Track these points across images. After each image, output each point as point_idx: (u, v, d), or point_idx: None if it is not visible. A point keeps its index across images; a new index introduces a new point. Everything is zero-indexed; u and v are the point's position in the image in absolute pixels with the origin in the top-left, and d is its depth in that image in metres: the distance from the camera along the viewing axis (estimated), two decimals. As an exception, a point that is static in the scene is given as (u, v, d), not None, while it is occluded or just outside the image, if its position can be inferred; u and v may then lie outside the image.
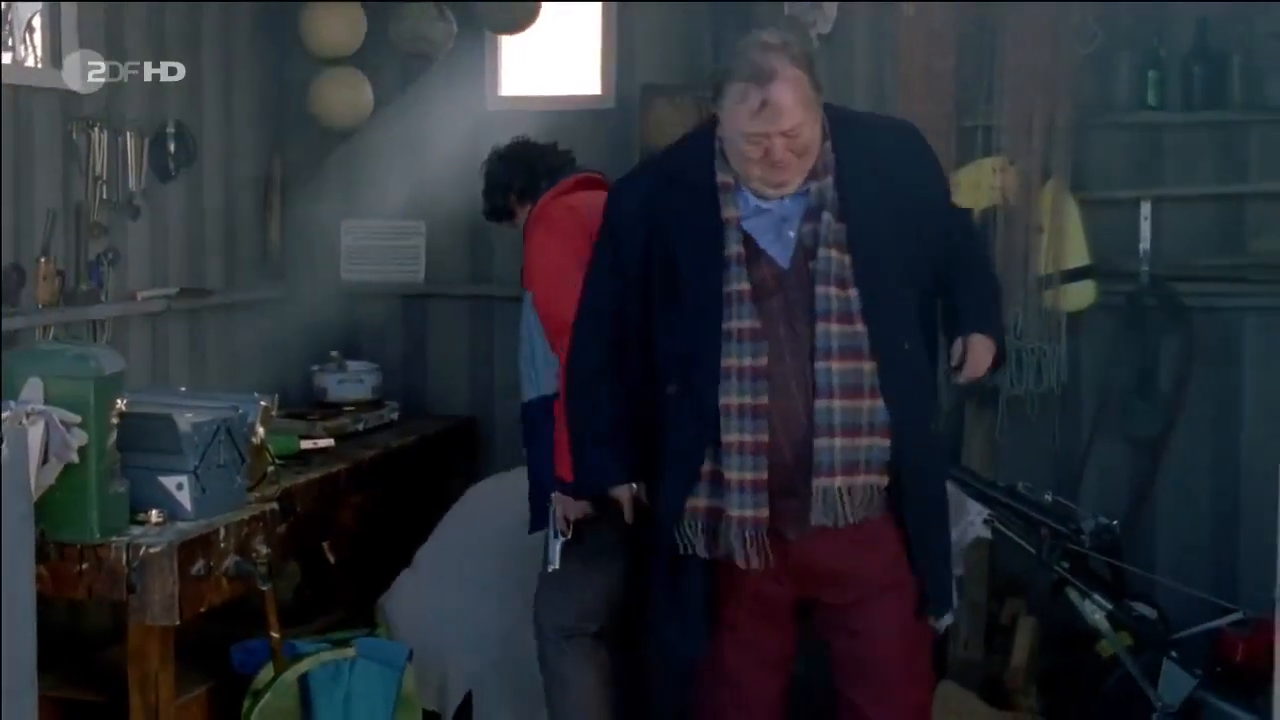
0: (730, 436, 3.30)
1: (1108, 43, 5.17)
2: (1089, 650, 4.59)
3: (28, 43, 4.71)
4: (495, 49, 5.88)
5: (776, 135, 3.25)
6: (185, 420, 3.64)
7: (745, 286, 3.32)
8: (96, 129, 4.78)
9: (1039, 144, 5.15)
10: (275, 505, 3.97)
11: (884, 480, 3.34)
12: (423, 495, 5.30)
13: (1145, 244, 5.16)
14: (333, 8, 5.63)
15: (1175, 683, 4.38)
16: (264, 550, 3.79)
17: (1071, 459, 5.27)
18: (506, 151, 4.33)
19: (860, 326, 3.30)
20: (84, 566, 3.51)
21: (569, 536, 3.91)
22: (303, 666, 3.98)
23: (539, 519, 4.03)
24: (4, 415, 3.16)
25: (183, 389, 4.53)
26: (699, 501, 3.37)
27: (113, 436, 3.48)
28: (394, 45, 5.64)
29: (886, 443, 3.33)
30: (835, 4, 5.39)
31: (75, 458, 3.38)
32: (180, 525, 3.62)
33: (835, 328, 3.29)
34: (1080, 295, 5.18)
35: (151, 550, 3.50)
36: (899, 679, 3.50)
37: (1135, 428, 5.23)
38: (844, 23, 5.40)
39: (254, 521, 3.82)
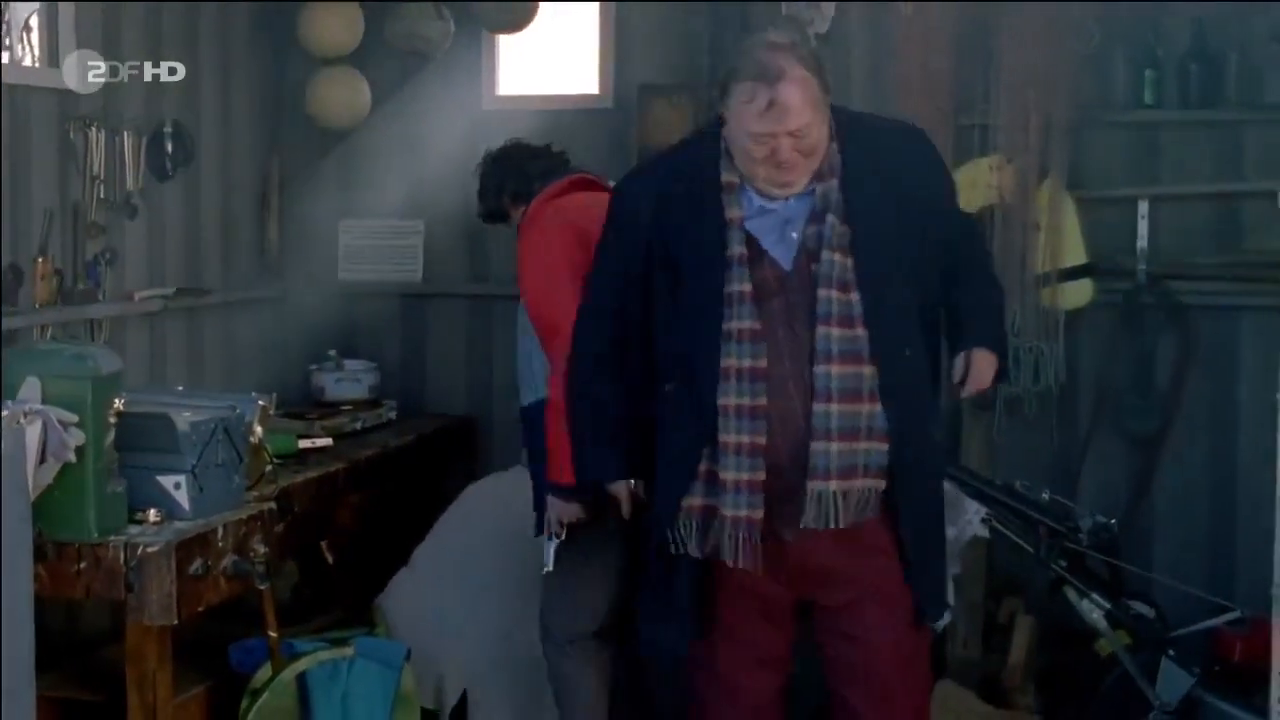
0: (727, 437, 3.30)
1: (1105, 42, 5.18)
2: (1087, 649, 4.59)
3: (25, 42, 4.71)
4: (493, 48, 5.88)
5: (783, 135, 3.24)
6: (183, 420, 3.64)
7: (747, 287, 3.31)
8: (94, 129, 4.78)
9: (1036, 143, 5.15)
10: (273, 504, 3.96)
11: (881, 484, 3.34)
12: (421, 494, 5.31)
13: (1142, 242, 5.17)
14: (330, 7, 5.62)
15: (1173, 681, 4.37)
16: (262, 549, 3.79)
17: (1069, 457, 5.27)
18: (500, 154, 4.33)
19: (861, 331, 3.29)
20: (82, 566, 3.50)
21: (563, 538, 3.92)
22: (301, 665, 3.98)
23: (543, 522, 4.03)
24: (2, 415, 3.16)
25: (180, 388, 4.52)
26: (694, 501, 3.37)
27: (110, 436, 3.48)
28: (391, 45, 5.64)
29: (885, 447, 3.32)
30: (833, 3, 5.39)
31: (73, 457, 3.38)
32: (178, 524, 3.62)
33: (836, 331, 3.28)
34: (1077, 294, 5.19)
35: (149, 550, 3.49)
36: (895, 681, 3.49)
37: (1133, 426, 5.24)
38: (841, 22, 5.40)
39: (252, 521, 3.81)
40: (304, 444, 4.88)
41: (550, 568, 3.98)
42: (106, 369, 3.50)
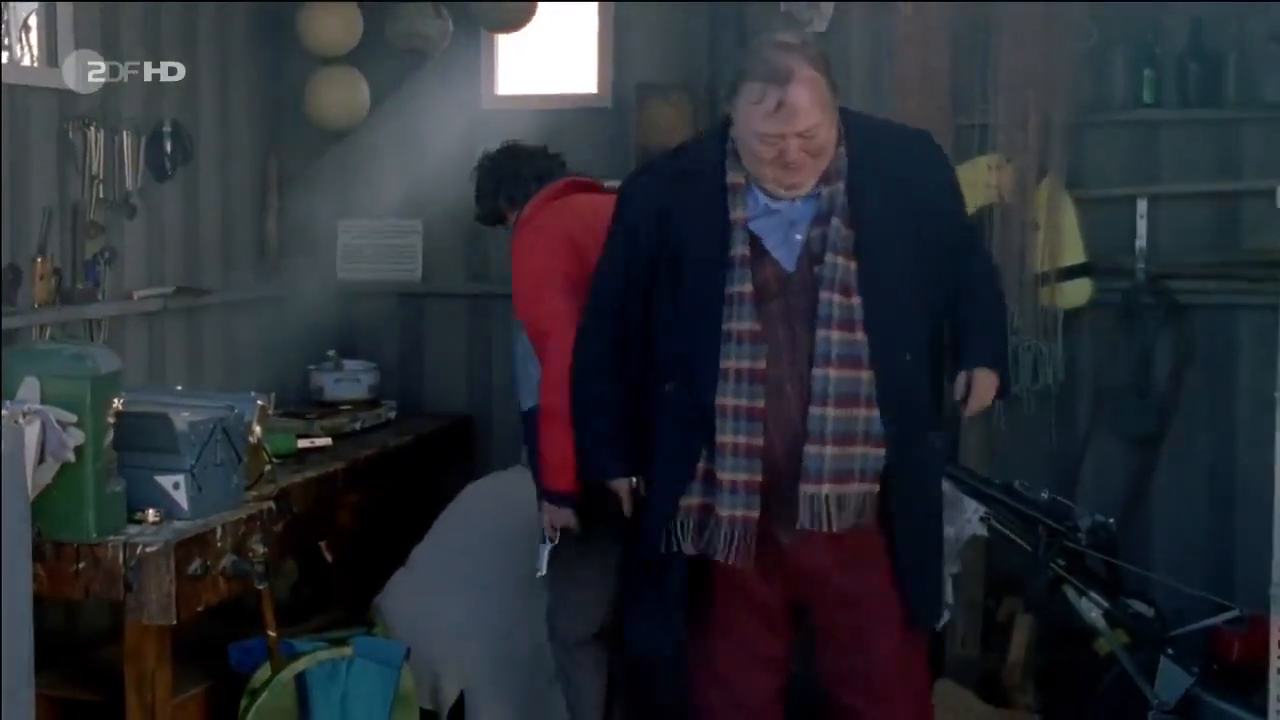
0: (725, 437, 3.30)
1: (1103, 41, 5.18)
2: (1086, 648, 4.58)
3: (24, 42, 4.71)
4: (491, 48, 5.89)
5: (792, 136, 3.24)
6: (182, 419, 3.64)
7: (747, 288, 3.31)
8: (93, 128, 4.78)
9: (1035, 142, 5.15)
10: (272, 504, 3.96)
11: (876, 488, 3.34)
12: (420, 494, 5.31)
13: (1141, 241, 5.17)
14: (329, 7, 5.62)
15: (1172, 680, 4.37)
16: (261, 549, 3.78)
17: (1068, 456, 5.28)
18: (495, 156, 4.33)
19: (860, 335, 3.29)
20: (81, 566, 3.50)
21: (556, 543, 3.93)
22: (300, 665, 3.97)
23: None
24: (1, 414, 3.16)
25: (179, 388, 4.52)
26: (692, 500, 3.38)
27: (109, 436, 3.48)
28: (390, 44, 5.64)
29: (881, 452, 3.32)
30: (831, 3, 5.39)
31: (72, 457, 3.38)
32: (177, 524, 3.61)
33: (835, 335, 3.28)
34: (1076, 293, 5.19)
35: (148, 549, 3.49)
36: (894, 683, 3.50)
37: (1131, 425, 5.24)
38: (840, 21, 5.40)
39: (251, 520, 3.81)
40: (303, 444, 4.88)
41: (543, 572, 3.99)
42: (105, 369, 3.49)
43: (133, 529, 3.57)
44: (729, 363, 3.31)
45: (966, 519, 4.56)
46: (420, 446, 5.46)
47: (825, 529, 3.29)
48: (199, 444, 3.66)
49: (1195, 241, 5.18)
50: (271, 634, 3.88)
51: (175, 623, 3.56)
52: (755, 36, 5.26)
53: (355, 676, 4.03)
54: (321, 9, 5.62)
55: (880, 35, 5.37)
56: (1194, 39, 5.11)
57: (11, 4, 4.57)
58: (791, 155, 3.26)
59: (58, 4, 4.74)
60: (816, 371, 3.28)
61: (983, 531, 4.62)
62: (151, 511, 3.61)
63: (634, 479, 3.57)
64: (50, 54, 4.73)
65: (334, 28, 5.63)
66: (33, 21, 4.73)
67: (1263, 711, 3.91)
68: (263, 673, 3.95)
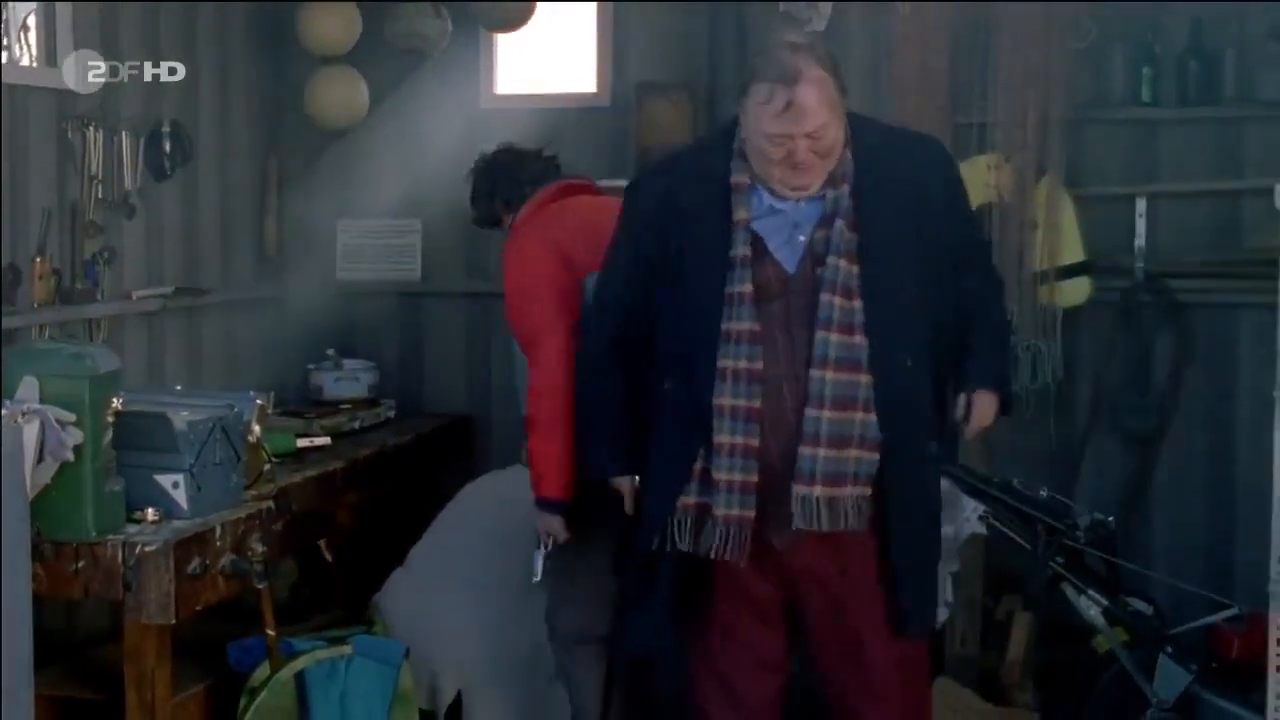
0: (721, 438, 3.30)
1: (1102, 39, 5.19)
2: (1085, 646, 4.58)
3: (23, 42, 4.71)
4: (490, 47, 5.88)
5: (800, 136, 3.24)
6: (181, 419, 3.63)
7: (747, 289, 3.31)
8: (92, 128, 4.78)
9: (1034, 140, 5.15)
10: (271, 503, 3.96)
11: (868, 490, 3.33)
12: (419, 493, 5.30)
13: (1140, 240, 5.17)
14: (328, 7, 5.62)
15: (1171, 678, 4.37)
16: (260, 548, 3.78)
17: (1067, 455, 5.28)
18: (491, 159, 4.33)
19: (860, 339, 3.29)
20: (80, 565, 3.50)
21: (550, 549, 3.95)
22: (299, 664, 3.98)
23: None
24: (0, 414, 3.16)
25: (178, 387, 4.53)
26: (689, 499, 3.38)
27: (108, 435, 3.48)
28: (389, 44, 5.64)
29: (875, 457, 3.31)
30: (830, 2, 5.39)
31: (71, 456, 3.38)
32: (176, 524, 3.61)
33: (834, 337, 3.28)
34: (1075, 291, 5.19)
35: (147, 549, 3.49)
36: (893, 683, 3.50)
37: (1130, 423, 5.24)
38: (839, 21, 5.40)
39: (250, 520, 3.81)
40: (302, 443, 4.88)
41: (539, 578, 4.01)
42: (104, 368, 3.49)
43: (132, 528, 3.57)
44: (727, 363, 3.32)
45: (965, 517, 4.56)
46: (419, 446, 5.46)
47: (816, 528, 3.29)
48: (198, 443, 3.66)
49: (1194, 240, 5.19)
50: (271, 633, 3.88)
51: (174, 622, 3.56)
52: (755, 36, 5.35)
53: (354, 675, 4.03)
54: (320, 9, 5.62)
55: (879, 35, 5.36)
56: (1193, 37, 5.11)
57: (11, 4, 4.57)
58: (800, 156, 3.26)
59: (57, 4, 4.74)
60: (813, 373, 3.28)
61: (982, 530, 4.63)
62: (151, 511, 3.61)
63: (635, 477, 3.58)
64: (49, 54, 4.73)
65: (333, 27, 5.63)
66: (32, 21, 4.73)
67: (1262, 709, 3.92)
68: (262, 671, 3.95)
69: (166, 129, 5.15)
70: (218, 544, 3.67)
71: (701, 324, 3.34)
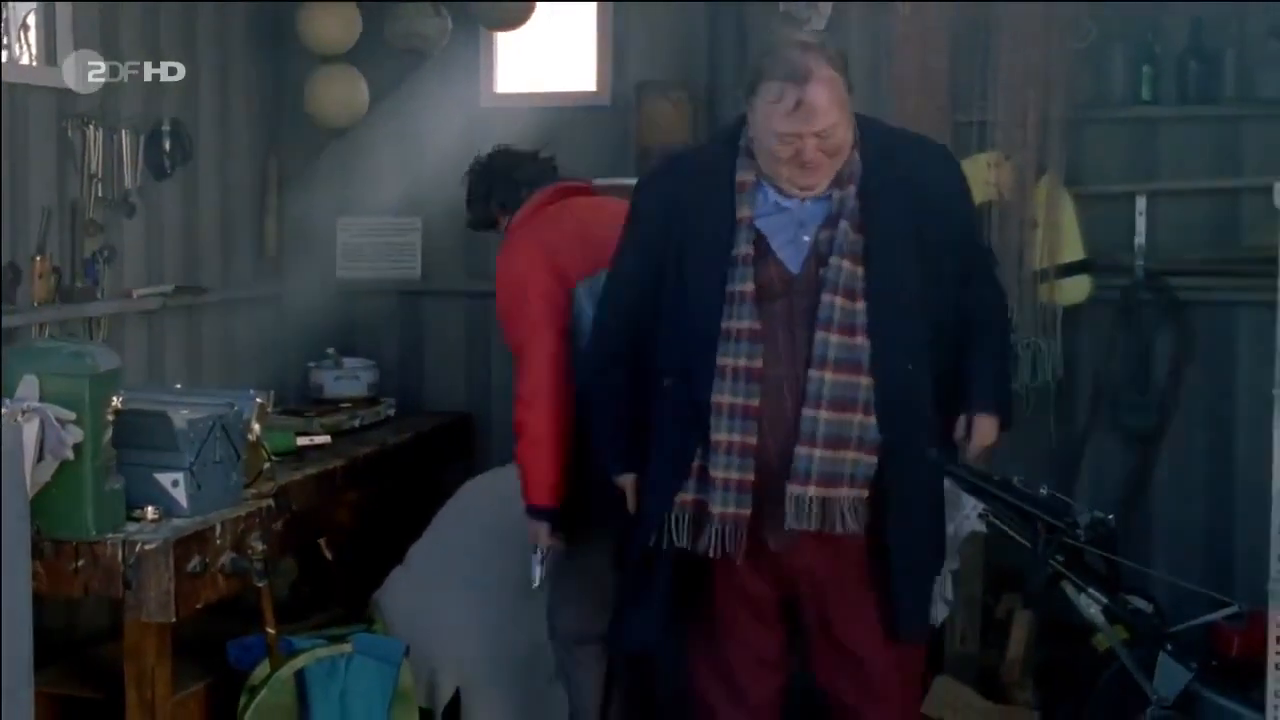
0: (719, 436, 3.31)
1: (1102, 38, 5.18)
2: (1085, 644, 4.58)
3: (23, 41, 4.71)
4: (490, 46, 5.89)
5: (809, 135, 3.24)
6: (181, 417, 3.64)
7: (749, 288, 3.31)
8: (92, 127, 4.79)
9: (1034, 139, 5.15)
10: (271, 502, 3.96)
11: (865, 493, 3.32)
12: (419, 492, 5.30)
13: (1140, 238, 5.17)
14: (328, 7, 5.62)
15: (1171, 676, 4.37)
16: (260, 547, 3.79)
17: (1067, 453, 5.28)
18: (487, 162, 4.34)
19: (861, 340, 3.28)
20: (80, 563, 3.50)
21: (545, 554, 3.98)
22: (299, 662, 3.98)
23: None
24: (0, 412, 3.16)
25: (178, 386, 4.53)
26: (686, 496, 3.38)
27: (108, 433, 3.48)
28: (389, 43, 5.64)
29: (873, 459, 3.31)
30: (830, 3, 5.39)
31: (71, 455, 3.38)
32: (176, 522, 3.62)
33: (835, 338, 3.27)
34: (1075, 290, 5.19)
35: (147, 547, 3.49)
36: (893, 683, 3.51)
37: (1130, 421, 5.24)
38: (838, 21, 5.40)
39: (250, 518, 3.81)
40: (302, 441, 4.88)
41: (536, 583, 4.03)
42: (104, 366, 3.50)
43: (132, 526, 3.57)
44: (726, 360, 3.32)
45: (965, 515, 4.56)
46: (419, 444, 5.46)
47: (806, 528, 3.29)
48: (198, 442, 3.66)
49: (1194, 238, 5.19)
50: (271, 631, 3.89)
51: (174, 620, 3.56)
52: (755, 35, 5.35)
53: (354, 673, 4.03)
54: (320, 9, 5.62)
55: (879, 35, 5.36)
56: (1193, 36, 5.11)
57: (11, 3, 4.58)
58: (809, 155, 3.26)
59: (57, 4, 4.74)
60: (812, 373, 3.28)
61: (981, 528, 4.63)
62: (150, 509, 3.61)
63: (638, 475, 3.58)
64: (49, 53, 4.73)
65: (333, 27, 5.63)
66: (31, 20, 4.73)
67: (1262, 707, 3.91)
68: (262, 670, 3.96)
69: (166, 128, 5.16)
70: (218, 542, 3.67)
71: (702, 322, 3.34)
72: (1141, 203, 5.17)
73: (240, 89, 5.76)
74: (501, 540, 4.53)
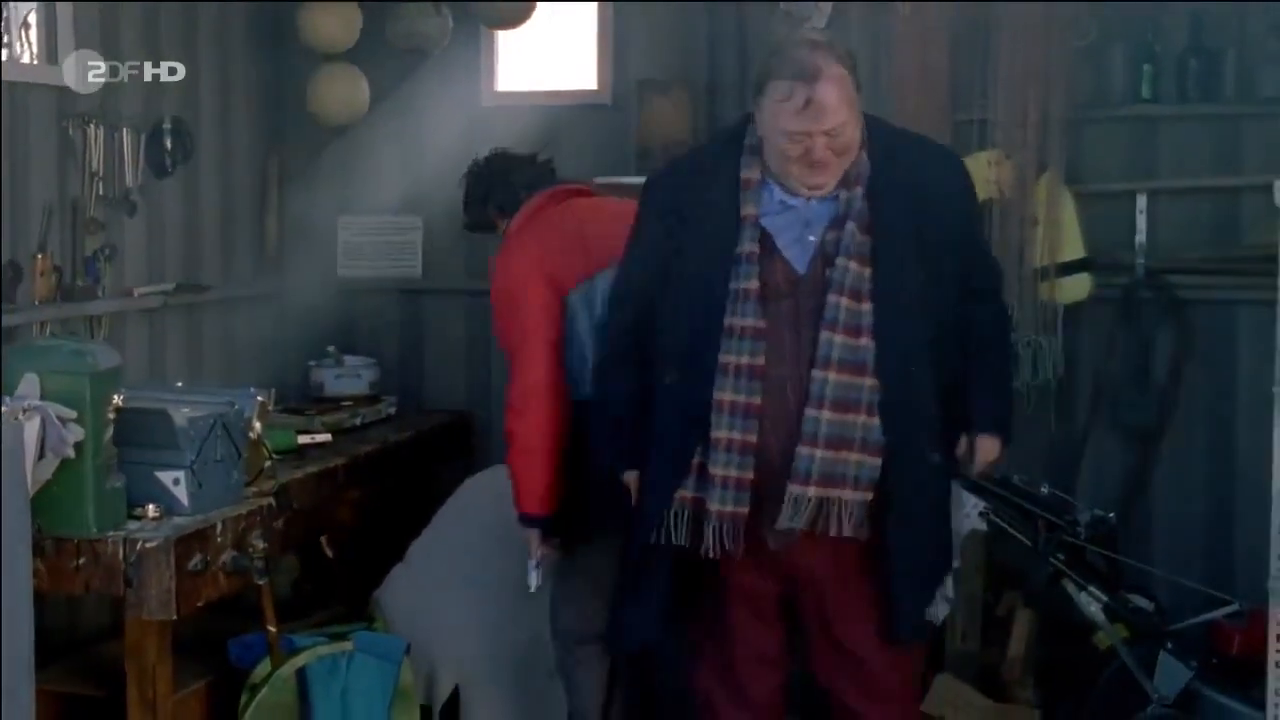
0: (719, 433, 3.30)
1: (1103, 37, 5.18)
2: (1085, 642, 4.59)
3: (24, 39, 4.71)
4: (491, 45, 5.88)
5: (819, 134, 3.24)
6: (182, 415, 3.64)
7: (753, 285, 3.31)
8: (93, 125, 4.79)
9: (1034, 137, 5.15)
10: (272, 500, 3.97)
11: (869, 496, 3.32)
12: (420, 490, 5.31)
13: (1141, 236, 5.17)
14: (328, 7, 5.61)
15: (1171, 674, 4.38)
16: (261, 545, 3.79)
17: (1067, 451, 5.27)
18: (485, 165, 4.34)
19: (866, 341, 3.28)
20: (81, 561, 3.51)
21: (540, 560, 4.01)
22: (300, 661, 3.98)
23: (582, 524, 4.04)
24: (1, 410, 3.16)
25: (179, 384, 4.53)
26: (686, 493, 3.38)
27: (109, 432, 3.49)
28: (390, 42, 5.64)
29: (877, 461, 3.30)
30: (830, 2, 5.38)
31: (71, 453, 3.38)
32: (177, 520, 3.62)
33: (839, 339, 3.27)
34: (1076, 288, 5.18)
35: (148, 545, 3.50)
36: (891, 683, 3.51)
37: (1131, 420, 5.24)
38: (838, 20, 5.39)
39: (251, 516, 3.82)
40: (303, 439, 4.89)
41: (533, 589, 4.05)
42: (105, 365, 3.50)
43: (133, 525, 3.57)
44: (729, 358, 3.32)
45: (966, 513, 4.56)
46: (420, 442, 5.46)
47: (799, 526, 3.29)
48: (199, 440, 3.66)
49: (1194, 236, 5.18)
50: (272, 629, 3.89)
51: (175, 618, 3.57)
52: (755, 34, 5.35)
53: (355, 671, 4.04)
54: (321, 9, 5.61)
55: (879, 33, 5.36)
56: (1193, 35, 5.11)
57: (11, 2, 4.58)
58: (818, 153, 3.26)
59: (58, 3, 4.74)
60: (815, 373, 3.27)
61: (982, 526, 4.63)
62: (151, 507, 3.61)
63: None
64: (50, 51, 4.73)
65: (333, 27, 5.63)
66: (32, 19, 4.73)
67: (1262, 705, 3.92)
68: (263, 668, 3.96)
69: (167, 126, 5.16)
70: (218, 540, 3.68)
71: (704, 319, 3.34)
72: (1142, 201, 5.17)
73: (241, 88, 5.76)
74: (501, 538, 4.53)
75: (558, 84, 5.88)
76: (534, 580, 4.05)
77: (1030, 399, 5.18)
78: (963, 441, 3.48)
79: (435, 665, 4.56)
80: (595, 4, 5.75)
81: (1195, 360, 5.17)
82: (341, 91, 5.74)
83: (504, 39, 5.86)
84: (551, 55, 5.91)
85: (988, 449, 3.49)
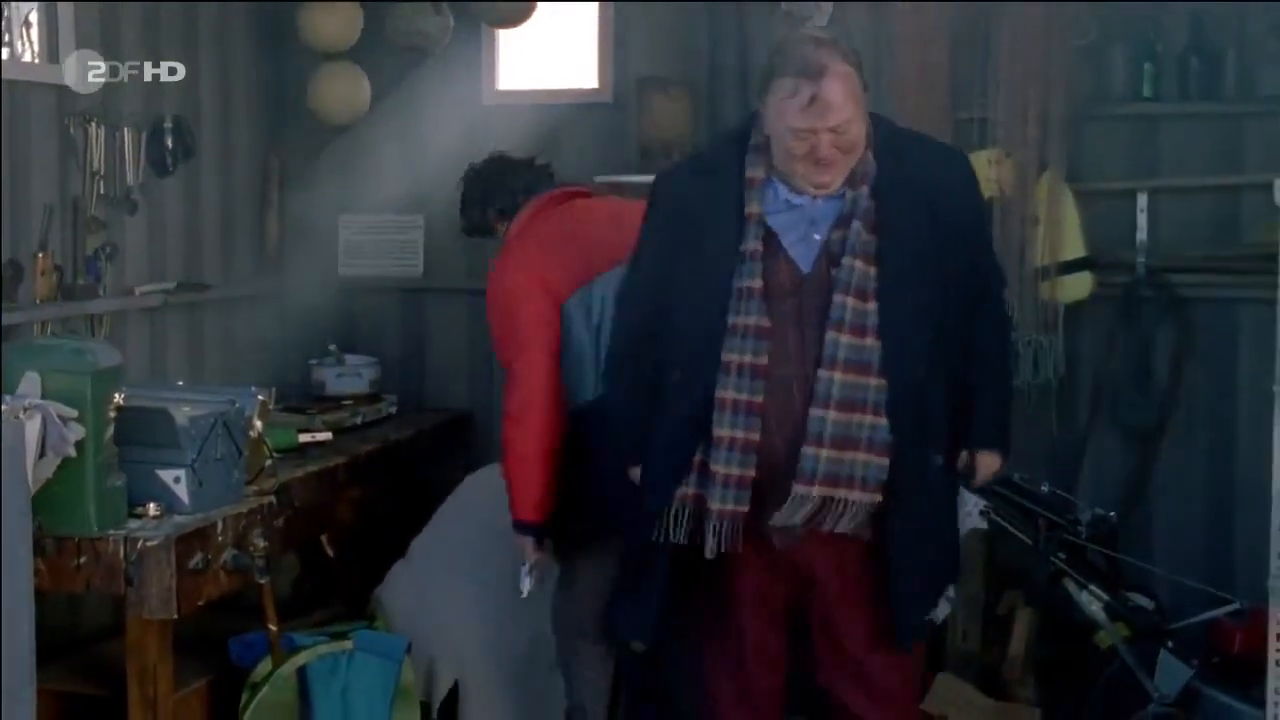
0: (721, 431, 3.30)
1: (1103, 36, 5.18)
2: (1086, 641, 4.59)
3: (24, 38, 4.71)
4: (492, 44, 5.88)
5: (824, 131, 3.23)
6: (182, 414, 3.64)
7: (757, 284, 3.30)
8: (93, 124, 4.79)
9: (1035, 136, 5.14)
10: (273, 499, 3.97)
11: (876, 498, 3.32)
12: (420, 489, 5.31)
13: (1142, 235, 5.17)
14: (329, 6, 5.61)
15: (1172, 673, 4.38)
16: (262, 543, 3.79)
17: (1068, 450, 5.27)
18: (483, 168, 4.35)
19: (872, 341, 3.27)
20: (82, 560, 3.51)
21: (533, 568, 4.03)
22: (300, 659, 3.98)
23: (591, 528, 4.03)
24: (2, 409, 3.16)
25: (180, 383, 4.54)
26: (687, 490, 3.38)
27: (110, 430, 3.49)
28: (391, 40, 5.64)
29: (884, 461, 3.29)
30: (831, 1, 5.38)
31: (72, 451, 3.38)
32: (178, 519, 3.62)
33: (845, 339, 3.26)
34: (1077, 287, 5.18)
35: (149, 544, 3.50)
36: (892, 684, 3.51)
37: (1131, 418, 5.23)
38: (839, 19, 5.39)
39: (252, 515, 3.82)
40: (304, 438, 4.89)
41: (524, 594, 4.06)
42: (106, 363, 3.50)
43: (133, 523, 3.57)
44: (731, 356, 3.31)
45: (967, 512, 4.57)
46: (421, 441, 5.46)
47: (798, 524, 3.29)
48: (200, 438, 3.66)
49: (1195, 235, 5.18)
50: (272, 628, 3.89)
51: (176, 617, 3.57)
52: (756, 33, 5.35)
53: (356, 670, 4.04)
54: (321, 8, 5.61)
55: (880, 32, 5.35)
56: (1194, 34, 5.11)
57: (12, 1, 4.58)
58: (823, 151, 3.25)
59: (58, 2, 4.74)
60: (821, 373, 3.27)
61: (983, 525, 4.63)
62: (152, 506, 3.61)
63: None
64: (51, 50, 4.74)
65: (334, 26, 5.63)
66: (33, 18, 4.73)
67: (1262, 704, 3.92)
68: (264, 667, 3.96)
69: (168, 125, 5.16)
70: (219, 539, 3.68)
71: (708, 317, 3.34)
72: (1143, 200, 5.16)
73: (241, 87, 5.76)
74: (501, 535, 4.52)
75: (559, 83, 5.87)
76: (526, 585, 4.06)
77: (1031, 398, 5.18)
78: (963, 456, 3.49)
79: (434, 661, 4.56)
80: (596, 3, 5.75)
81: (1196, 359, 5.17)
82: (342, 90, 5.74)
83: (505, 38, 5.86)
84: (552, 54, 5.91)
85: (988, 465, 3.51)
